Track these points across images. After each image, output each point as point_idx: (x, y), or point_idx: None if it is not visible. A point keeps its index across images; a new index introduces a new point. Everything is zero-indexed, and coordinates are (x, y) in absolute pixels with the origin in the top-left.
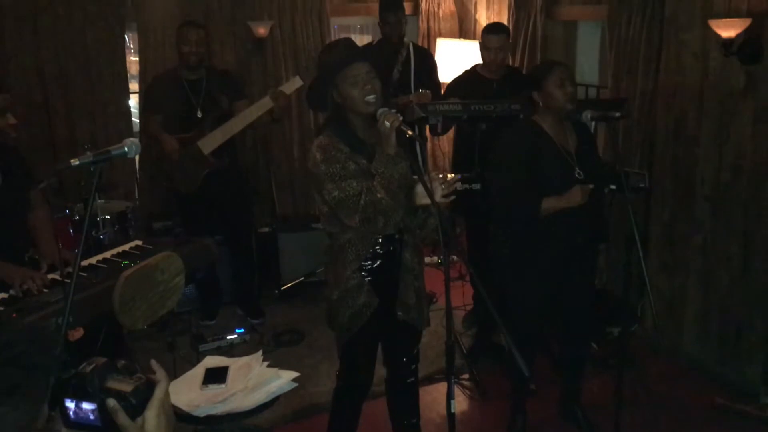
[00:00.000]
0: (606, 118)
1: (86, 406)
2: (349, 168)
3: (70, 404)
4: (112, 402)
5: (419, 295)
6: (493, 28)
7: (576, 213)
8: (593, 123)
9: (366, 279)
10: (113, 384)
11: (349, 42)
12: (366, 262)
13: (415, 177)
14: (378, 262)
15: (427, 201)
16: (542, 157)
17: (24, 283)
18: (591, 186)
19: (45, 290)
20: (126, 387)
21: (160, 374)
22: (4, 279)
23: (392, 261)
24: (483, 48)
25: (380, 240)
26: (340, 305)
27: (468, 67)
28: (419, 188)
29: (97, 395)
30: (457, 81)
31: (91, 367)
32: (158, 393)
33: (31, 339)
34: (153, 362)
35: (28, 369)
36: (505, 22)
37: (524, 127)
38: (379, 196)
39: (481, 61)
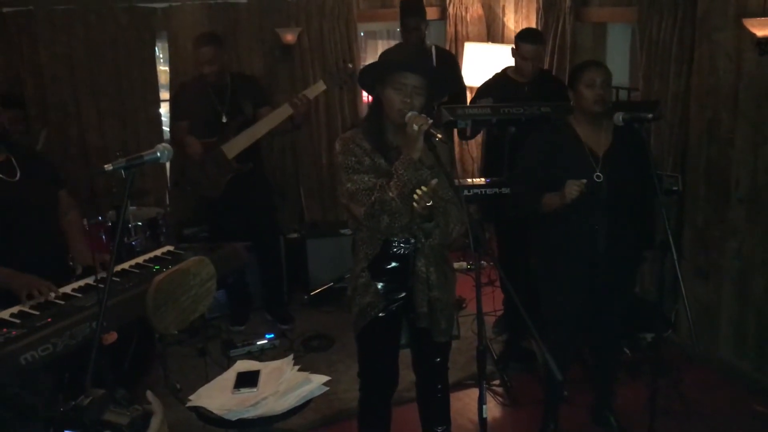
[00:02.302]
0: (638, 120)
1: None
2: (364, 163)
3: None
4: None
5: (435, 307)
6: (529, 37)
7: (591, 217)
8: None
9: (376, 281)
10: (110, 416)
11: (418, 51)
12: (377, 262)
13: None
14: (392, 265)
15: (419, 211)
16: (561, 157)
17: (30, 294)
18: (584, 181)
19: (52, 296)
20: (122, 419)
21: (155, 406)
22: (10, 288)
23: (406, 267)
24: (518, 56)
25: (390, 242)
26: (352, 301)
27: (497, 71)
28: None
29: (94, 428)
30: (487, 84)
31: (88, 399)
32: (153, 424)
33: (23, 382)
34: (149, 393)
35: (20, 411)
36: (534, 25)
37: (551, 126)
38: (390, 195)
39: (510, 64)
